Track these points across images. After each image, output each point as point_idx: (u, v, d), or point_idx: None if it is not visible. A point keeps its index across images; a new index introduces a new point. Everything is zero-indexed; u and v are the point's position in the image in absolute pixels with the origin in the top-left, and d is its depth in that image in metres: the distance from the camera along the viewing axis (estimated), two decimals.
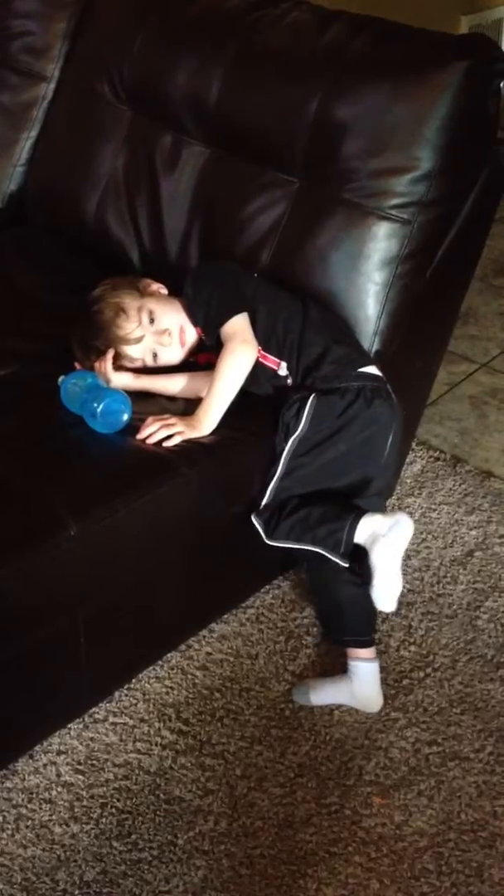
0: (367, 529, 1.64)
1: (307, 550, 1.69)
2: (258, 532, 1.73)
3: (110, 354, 1.71)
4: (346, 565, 1.67)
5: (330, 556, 1.67)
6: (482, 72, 1.71)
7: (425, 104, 1.70)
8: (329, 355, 1.71)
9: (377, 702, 1.81)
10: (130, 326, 1.72)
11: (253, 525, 1.73)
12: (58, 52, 2.20)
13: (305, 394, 1.68)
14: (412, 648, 1.93)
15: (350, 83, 1.77)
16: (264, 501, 1.72)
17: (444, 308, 2.04)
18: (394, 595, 1.66)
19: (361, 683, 1.79)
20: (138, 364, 1.75)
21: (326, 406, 1.68)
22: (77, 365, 1.75)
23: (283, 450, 1.69)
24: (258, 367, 1.70)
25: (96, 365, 1.71)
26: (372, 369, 1.74)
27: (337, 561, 1.67)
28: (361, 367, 1.72)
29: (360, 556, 1.67)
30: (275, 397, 1.72)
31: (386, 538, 1.62)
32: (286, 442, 1.69)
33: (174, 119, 1.97)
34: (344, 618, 1.80)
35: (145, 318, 1.72)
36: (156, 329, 1.72)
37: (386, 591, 1.65)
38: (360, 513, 1.66)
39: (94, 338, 1.73)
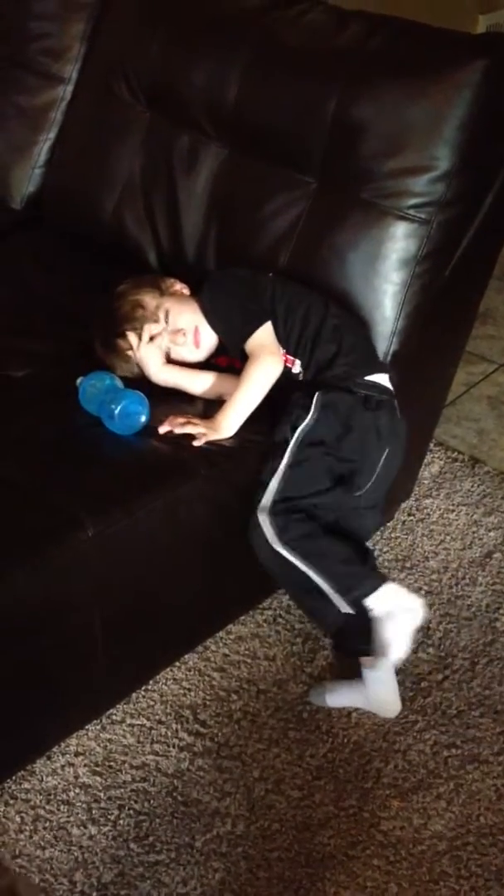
0: (386, 602, 1.66)
1: (300, 576, 1.66)
2: (261, 536, 1.67)
3: (146, 334, 1.72)
4: (352, 611, 1.67)
5: (332, 596, 1.66)
6: (500, 71, 1.70)
7: (443, 103, 1.69)
8: (343, 356, 1.71)
9: (394, 707, 1.80)
10: (145, 322, 1.72)
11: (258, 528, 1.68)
12: (76, 54, 2.20)
13: (315, 389, 1.68)
14: (430, 651, 1.92)
15: (367, 83, 1.76)
16: (272, 498, 1.66)
17: (462, 308, 2.03)
18: (401, 657, 1.72)
19: (377, 690, 1.78)
20: None
21: (335, 401, 1.67)
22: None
23: (291, 439, 1.66)
24: None
25: (133, 344, 1.73)
26: (383, 379, 1.74)
27: (337, 604, 1.67)
28: (372, 374, 1.72)
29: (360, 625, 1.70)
30: (284, 391, 1.72)
31: (399, 620, 1.66)
32: (293, 432, 1.67)
33: (191, 120, 1.97)
34: (349, 634, 1.78)
35: (161, 316, 1.73)
36: (171, 328, 1.72)
37: (397, 657, 1.70)
38: (382, 577, 1.70)
39: (112, 332, 1.74)
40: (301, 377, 1.73)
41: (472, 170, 1.74)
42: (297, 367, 1.73)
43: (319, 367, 1.71)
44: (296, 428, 1.67)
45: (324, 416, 1.66)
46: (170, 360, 1.76)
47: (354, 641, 1.77)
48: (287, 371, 1.72)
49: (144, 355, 1.73)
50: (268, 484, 1.67)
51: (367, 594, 1.66)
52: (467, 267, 1.86)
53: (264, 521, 1.66)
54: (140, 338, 1.73)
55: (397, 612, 1.67)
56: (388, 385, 1.74)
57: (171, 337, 1.73)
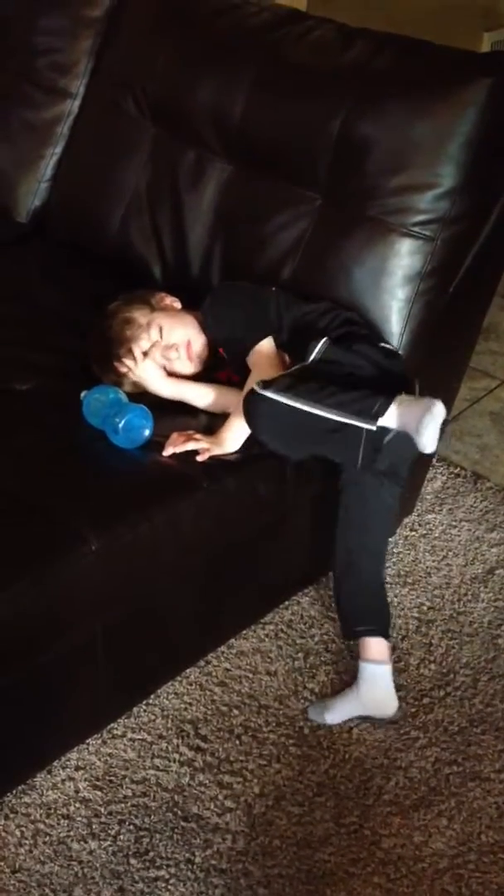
0: (400, 416, 1.59)
1: (316, 422, 1.58)
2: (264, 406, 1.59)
3: (138, 351, 1.72)
4: (373, 428, 1.58)
5: (353, 420, 1.58)
6: None
7: (448, 121, 1.70)
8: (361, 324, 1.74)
9: (391, 705, 1.79)
10: (137, 341, 1.73)
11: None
12: (83, 69, 2.21)
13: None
14: (432, 667, 1.92)
15: (373, 100, 1.77)
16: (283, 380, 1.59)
17: (466, 324, 2.03)
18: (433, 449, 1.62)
19: (371, 687, 1.77)
20: None
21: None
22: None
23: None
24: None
25: (129, 365, 1.73)
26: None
27: (362, 425, 1.59)
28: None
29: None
30: None
31: (426, 419, 1.57)
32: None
33: (197, 135, 1.98)
34: (360, 603, 1.79)
35: (154, 333, 1.73)
36: (164, 344, 1.73)
37: (431, 447, 1.60)
38: (391, 396, 1.60)
39: (106, 352, 1.75)
40: None
41: (477, 187, 1.75)
42: None
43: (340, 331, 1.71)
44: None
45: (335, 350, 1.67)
46: (170, 374, 1.76)
47: (357, 619, 1.79)
48: None
49: (143, 373, 1.74)
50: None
51: (385, 408, 1.59)
52: (472, 283, 1.86)
53: (272, 393, 1.58)
54: (134, 358, 1.73)
55: (419, 415, 1.58)
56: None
57: (163, 353, 1.74)
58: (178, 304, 1.81)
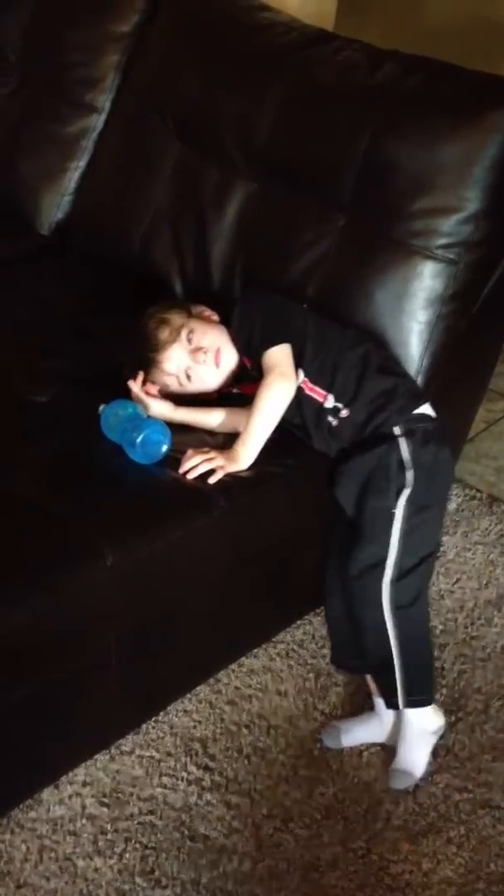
0: (425, 720, 1.74)
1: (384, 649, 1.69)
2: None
3: (140, 376, 1.72)
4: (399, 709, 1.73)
5: (398, 686, 1.70)
6: None
7: (475, 145, 1.70)
8: (401, 388, 1.71)
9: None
10: (168, 338, 1.73)
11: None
12: (110, 84, 2.22)
13: (390, 439, 1.66)
14: (444, 691, 1.90)
15: (401, 121, 1.77)
16: (393, 571, 1.66)
17: (486, 347, 2.03)
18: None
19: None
20: (173, 384, 1.75)
21: (418, 450, 1.67)
22: (134, 383, 1.73)
23: (396, 514, 1.66)
24: (302, 398, 1.70)
25: (129, 383, 1.72)
26: (427, 409, 1.73)
27: (397, 697, 1.71)
28: (420, 405, 1.72)
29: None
30: (323, 430, 1.71)
31: (429, 741, 1.76)
32: (398, 498, 1.66)
33: (222, 152, 1.98)
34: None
35: (184, 334, 1.73)
36: (194, 346, 1.73)
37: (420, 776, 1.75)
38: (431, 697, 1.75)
39: (136, 349, 1.75)
40: (345, 413, 1.69)
41: (501, 212, 1.74)
42: (329, 402, 1.69)
43: (377, 402, 1.68)
44: (400, 494, 1.66)
45: (420, 472, 1.66)
46: (189, 382, 1.75)
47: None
48: (318, 405, 1.70)
49: (141, 395, 1.72)
50: (385, 559, 1.66)
51: (425, 704, 1.73)
52: (493, 307, 1.86)
53: (386, 592, 1.67)
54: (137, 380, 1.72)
55: (429, 733, 1.74)
56: (432, 413, 1.73)
57: (192, 356, 1.73)
58: (216, 318, 1.81)
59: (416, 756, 1.74)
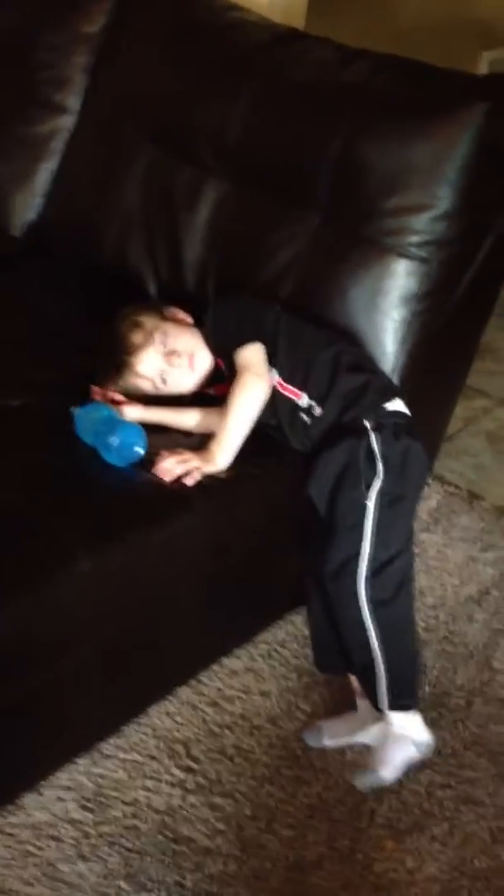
0: (409, 725, 1.72)
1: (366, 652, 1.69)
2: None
3: (110, 390, 1.73)
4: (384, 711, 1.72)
5: (379, 688, 1.70)
6: (502, 113, 1.72)
7: (447, 143, 1.70)
8: (373, 384, 1.71)
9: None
10: (142, 342, 1.72)
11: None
12: (79, 85, 2.21)
13: (359, 432, 1.66)
14: (426, 688, 1.91)
15: (371, 121, 1.78)
16: (367, 566, 1.66)
17: (462, 344, 2.03)
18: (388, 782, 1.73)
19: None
20: (148, 387, 1.74)
21: (389, 443, 1.66)
22: (96, 394, 1.74)
23: (368, 505, 1.65)
24: (277, 398, 1.70)
25: (93, 392, 1.72)
26: (400, 405, 1.74)
27: (379, 698, 1.71)
28: (391, 400, 1.72)
29: None
30: (297, 429, 1.71)
31: (408, 749, 1.72)
32: (369, 493, 1.65)
33: (194, 153, 1.98)
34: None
35: (158, 337, 1.73)
36: (168, 349, 1.72)
37: (387, 779, 1.73)
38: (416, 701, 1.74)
39: (109, 352, 1.75)
40: (318, 412, 1.69)
41: (474, 209, 1.75)
42: (303, 401, 1.70)
43: (348, 399, 1.69)
44: (371, 489, 1.65)
45: (390, 465, 1.66)
46: (165, 386, 1.75)
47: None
48: (292, 404, 1.71)
49: (132, 384, 1.73)
50: (359, 554, 1.65)
51: (409, 708, 1.72)
52: (469, 304, 1.86)
53: (362, 587, 1.66)
54: (132, 366, 1.72)
55: (410, 740, 1.72)
56: (405, 410, 1.74)
57: (166, 359, 1.73)
58: (189, 320, 1.81)
59: (389, 758, 1.72)
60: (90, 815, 1.66)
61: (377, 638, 1.67)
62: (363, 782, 1.73)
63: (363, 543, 1.65)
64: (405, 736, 1.72)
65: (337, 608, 1.70)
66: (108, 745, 1.75)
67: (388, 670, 1.68)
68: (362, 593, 1.66)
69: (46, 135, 2.23)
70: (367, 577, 1.65)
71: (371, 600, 1.66)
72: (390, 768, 1.72)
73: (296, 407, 1.70)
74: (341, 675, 1.85)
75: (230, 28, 2.01)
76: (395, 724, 1.72)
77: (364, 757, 1.78)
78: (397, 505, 1.67)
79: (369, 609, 1.66)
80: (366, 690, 1.76)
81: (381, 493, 1.65)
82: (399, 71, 1.82)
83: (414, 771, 1.76)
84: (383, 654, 1.67)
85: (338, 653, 1.78)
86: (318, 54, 1.89)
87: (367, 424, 1.67)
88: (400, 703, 1.70)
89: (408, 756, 1.72)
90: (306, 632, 1.99)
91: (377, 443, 1.65)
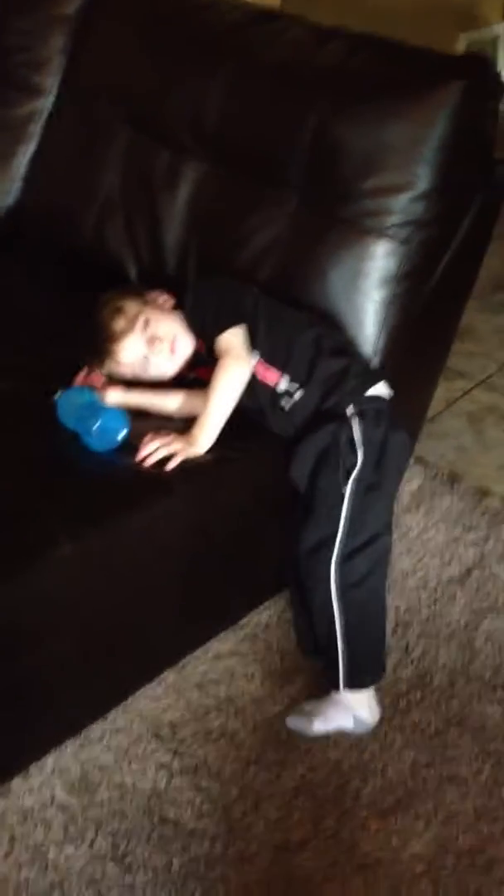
0: (358, 701, 1.76)
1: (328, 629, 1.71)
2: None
3: (84, 371, 1.73)
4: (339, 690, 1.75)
5: (340, 669, 1.73)
6: (479, 92, 1.72)
7: (423, 123, 1.70)
8: (354, 368, 1.71)
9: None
10: (124, 328, 1.72)
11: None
12: (56, 67, 2.19)
13: (341, 419, 1.67)
14: (409, 669, 1.92)
15: (348, 101, 1.77)
16: (340, 549, 1.68)
17: (442, 325, 2.03)
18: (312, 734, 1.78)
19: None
20: (128, 373, 1.74)
21: (370, 431, 1.67)
22: (80, 379, 1.73)
23: (345, 492, 1.66)
24: (256, 381, 1.69)
25: (79, 376, 1.72)
26: (381, 389, 1.74)
27: (340, 677, 1.73)
28: (374, 385, 1.73)
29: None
30: (278, 414, 1.71)
31: (347, 718, 1.77)
32: (348, 479, 1.66)
33: (172, 135, 1.97)
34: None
35: (140, 323, 1.72)
36: (149, 335, 1.72)
37: (313, 731, 1.78)
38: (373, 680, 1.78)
39: (92, 338, 1.74)
40: (298, 395, 1.69)
41: (451, 189, 1.75)
42: (283, 384, 1.70)
43: (329, 384, 1.69)
44: (350, 472, 1.66)
45: (370, 452, 1.67)
46: (146, 370, 1.75)
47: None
48: (272, 388, 1.70)
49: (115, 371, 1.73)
50: (333, 537, 1.67)
51: (363, 686, 1.75)
52: (448, 285, 1.86)
53: (332, 570, 1.68)
54: (114, 353, 1.72)
55: (353, 715, 1.77)
56: (387, 394, 1.74)
57: (148, 345, 1.72)
58: (170, 304, 1.80)
59: (326, 717, 1.76)
60: (77, 799, 1.66)
61: (340, 619, 1.69)
62: (293, 722, 1.78)
63: (338, 528, 1.67)
64: (348, 707, 1.76)
65: (307, 587, 1.72)
66: (95, 729, 1.75)
67: (348, 650, 1.71)
68: (332, 576, 1.68)
69: (25, 117, 2.21)
70: (338, 562, 1.67)
71: (339, 583, 1.68)
72: (320, 727, 1.77)
73: (274, 393, 1.70)
74: (316, 660, 1.86)
75: (205, 8, 1.99)
76: (345, 698, 1.75)
77: (348, 738, 1.79)
78: (373, 492, 1.68)
79: (337, 591, 1.68)
80: (325, 669, 1.78)
81: (357, 480, 1.66)
82: (375, 51, 1.81)
83: (398, 750, 1.77)
84: (343, 635, 1.70)
85: (310, 634, 1.79)
86: (294, 34, 1.88)
87: (349, 410, 1.67)
88: (354, 683, 1.74)
89: (343, 725, 1.77)
90: (289, 615, 2.00)
91: (359, 430, 1.66)
